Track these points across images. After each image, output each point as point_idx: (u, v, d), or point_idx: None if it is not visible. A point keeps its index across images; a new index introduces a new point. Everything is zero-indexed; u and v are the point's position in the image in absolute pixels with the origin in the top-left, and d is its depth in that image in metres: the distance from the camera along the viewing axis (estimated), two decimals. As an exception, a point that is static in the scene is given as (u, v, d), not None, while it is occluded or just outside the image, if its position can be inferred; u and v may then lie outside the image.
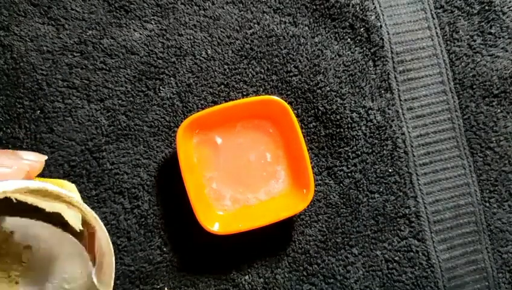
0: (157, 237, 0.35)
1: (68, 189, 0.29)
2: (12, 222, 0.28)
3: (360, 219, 0.37)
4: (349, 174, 0.37)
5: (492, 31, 0.39)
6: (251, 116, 0.36)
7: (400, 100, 0.38)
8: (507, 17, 0.40)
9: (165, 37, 0.37)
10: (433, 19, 0.39)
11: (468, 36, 0.39)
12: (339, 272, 0.36)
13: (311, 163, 0.35)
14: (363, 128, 0.38)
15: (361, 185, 0.37)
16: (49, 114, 0.35)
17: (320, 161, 0.37)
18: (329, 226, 0.37)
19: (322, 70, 0.38)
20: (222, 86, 0.37)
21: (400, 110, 0.38)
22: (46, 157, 0.28)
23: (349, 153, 0.37)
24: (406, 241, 0.37)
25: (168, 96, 0.37)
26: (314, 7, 0.38)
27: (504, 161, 0.38)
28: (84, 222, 0.27)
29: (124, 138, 0.36)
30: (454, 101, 0.39)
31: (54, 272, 0.28)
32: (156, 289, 0.35)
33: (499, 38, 0.39)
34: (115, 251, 0.35)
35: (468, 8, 0.40)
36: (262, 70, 0.38)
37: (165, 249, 0.35)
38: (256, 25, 0.38)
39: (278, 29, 0.38)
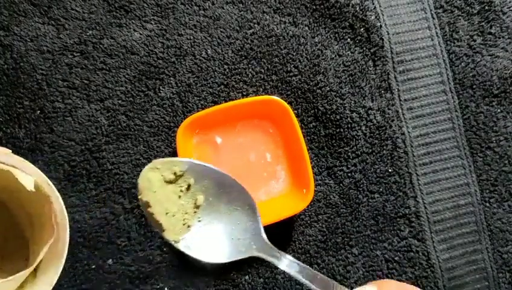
0: (157, 237, 0.35)
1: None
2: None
3: (360, 219, 0.37)
4: (349, 174, 0.37)
5: (492, 31, 0.39)
6: (251, 116, 0.36)
7: (400, 100, 0.38)
8: (507, 17, 0.40)
9: (165, 37, 0.37)
10: (433, 18, 0.39)
11: (468, 36, 0.39)
12: (339, 272, 0.36)
13: (311, 163, 0.35)
14: (363, 128, 0.38)
15: (361, 185, 0.37)
16: (49, 114, 0.35)
17: (320, 161, 0.37)
18: (329, 226, 0.37)
19: (322, 70, 0.38)
20: (222, 86, 0.37)
21: (400, 110, 0.38)
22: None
23: (349, 153, 0.37)
24: (406, 241, 0.37)
25: (168, 96, 0.37)
26: (314, 7, 0.38)
27: (504, 161, 0.38)
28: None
29: (124, 138, 0.36)
30: (454, 101, 0.39)
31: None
32: (156, 289, 0.35)
33: (499, 38, 0.39)
34: (115, 251, 0.35)
35: (468, 8, 0.40)
36: (262, 70, 0.38)
37: (165, 249, 0.35)
38: (256, 25, 0.38)
39: (277, 29, 0.38)
